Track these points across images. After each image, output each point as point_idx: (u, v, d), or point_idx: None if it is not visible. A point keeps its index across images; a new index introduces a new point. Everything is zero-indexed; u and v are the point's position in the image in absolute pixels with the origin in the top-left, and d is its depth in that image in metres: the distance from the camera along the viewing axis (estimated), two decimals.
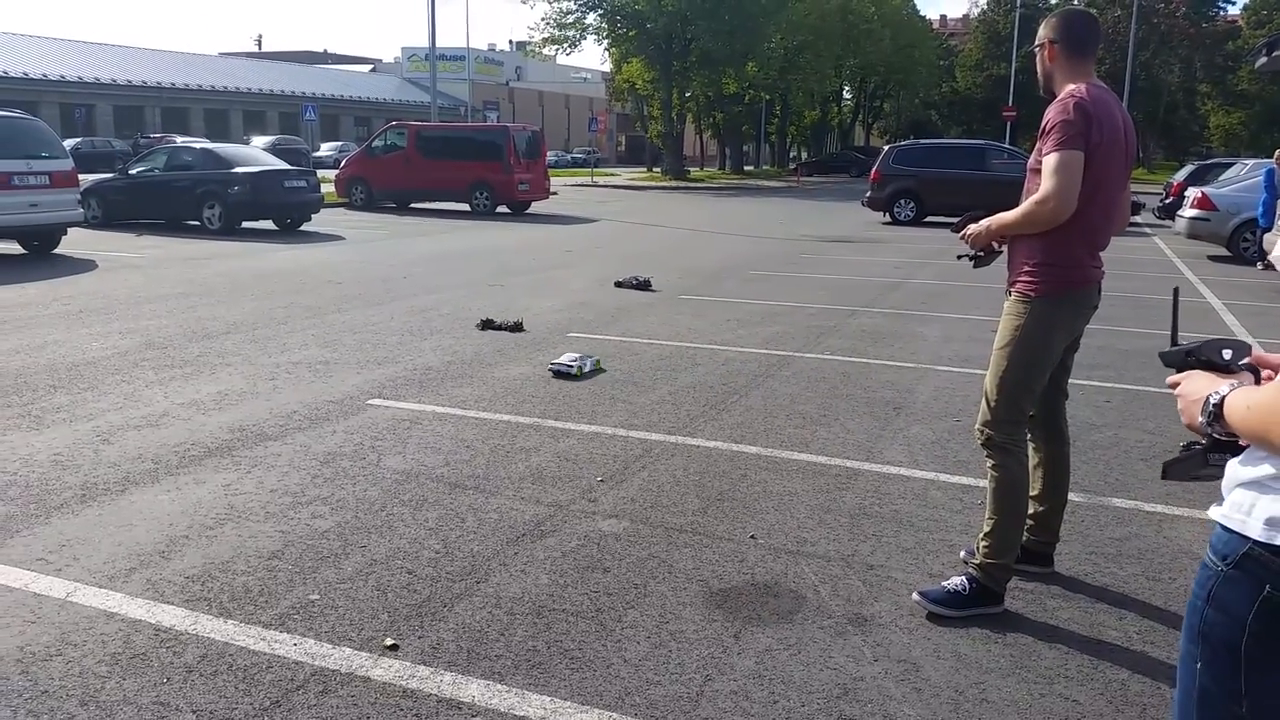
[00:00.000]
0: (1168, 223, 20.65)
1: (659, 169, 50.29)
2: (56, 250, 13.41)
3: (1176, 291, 1.74)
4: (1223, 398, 1.24)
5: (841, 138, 75.09)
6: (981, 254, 3.46)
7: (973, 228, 3.41)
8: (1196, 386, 1.33)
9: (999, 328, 3.32)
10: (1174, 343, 1.52)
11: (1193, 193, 16.39)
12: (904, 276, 12.48)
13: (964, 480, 4.61)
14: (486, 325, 8.20)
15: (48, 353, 7.00)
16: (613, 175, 48.31)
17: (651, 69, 46.82)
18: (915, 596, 3.33)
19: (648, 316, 9.08)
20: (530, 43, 48.54)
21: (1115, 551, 3.85)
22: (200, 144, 19.41)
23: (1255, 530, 1.21)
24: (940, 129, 75.02)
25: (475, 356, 7.17)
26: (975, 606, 3.27)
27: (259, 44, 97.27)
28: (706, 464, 4.84)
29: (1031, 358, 3.24)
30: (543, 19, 45.55)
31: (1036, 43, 3.33)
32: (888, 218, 21.84)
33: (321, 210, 18.76)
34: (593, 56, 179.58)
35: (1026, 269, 3.24)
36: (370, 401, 5.86)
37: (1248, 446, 1.25)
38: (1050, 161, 3.06)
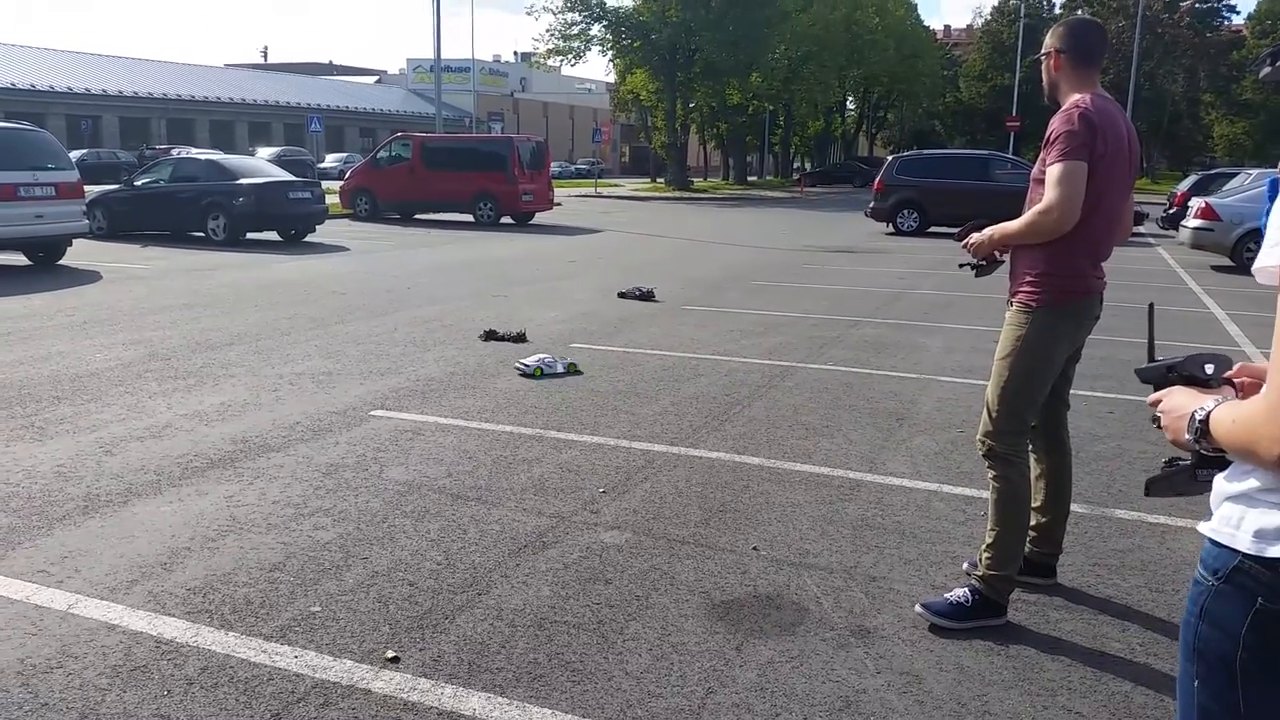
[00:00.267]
0: (1171, 233, 20.64)
1: (663, 180, 50.38)
2: (62, 261, 13.46)
3: (1152, 307, 1.73)
4: (1209, 413, 1.24)
5: (845, 148, 75.19)
6: (983, 263, 3.46)
7: (975, 237, 3.41)
8: (1180, 402, 1.33)
9: (1000, 338, 3.32)
10: (1151, 358, 1.51)
11: (1196, 203, 16.38)
12: (907, 287, 12.47)
13: (967, 491, 4.59)
14: (490, 336, 8.20)
15: (52, 364, 7.02)
16: (616, 186, 48.41)
17: (655, 80, 46.95)
18: (918, 608, 3.32)
19: (650, 327, 9.08)
20: (535, 54, 48.73)
21: (1118, 563, 3.84)
22: (205, 155, 19.48)
23: (1244, 543, 1.21)
24: (944, 139, 75.10)
25: (478, 367, 7.17)
26: (978, 618, 3.25)
27: (265, 55, 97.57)
28: (709, 475, 4.83)
29: (1033, 368, 3.24)
30: (547, 30, 45.72)
31: (1043, 52, 3.33)
32: (891, 228, 21.85)
33: (326, 221, 18.83)
34: (597, 68, 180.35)
35: (1028, 279, 3.23)
36: (373, 412, 5.87)
37: (1233, 461, 1.24)
38: (1054, 172, 3.06)
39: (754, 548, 3.91)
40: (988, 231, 3.36)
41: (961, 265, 3.59)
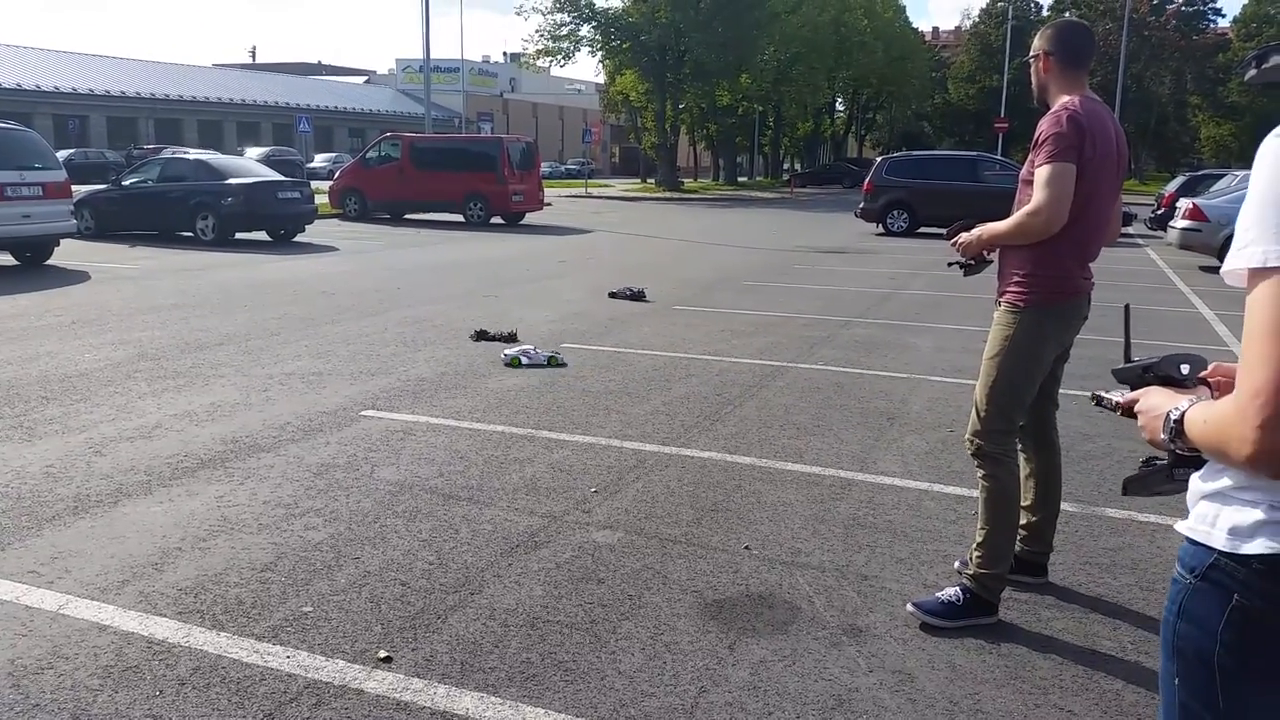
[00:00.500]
0: (1159, 234, 20.74)
1: (653, 180, 50.45)
2: (49, 262, 13.39)
3: (1127, 309, 1.75)
4: (1183, 413, 1.25)
5: (834, 149, 75.40)
6: (972, 262, 3.48)
7: (964, 236, 3.43)
8: (1156, 403, 1.34)
9: (989, 338, 3.33)
10: (1127, 360, 1.52)
11: (1184, 204, 16.46)
12: (897, 287, 12.51)
13: (958, 490, 4.61)
14: (481, 336, 8.20)
15: (40, 364, 6.99)
16: (606, 186, 48.41)
17: (645, 81, 46.97)
18: (909, 607, 3.33)
19: (642, 327, 9.09)
20: (524, 54, 48.60)
21: (1109, 561, 3.86)
22: (194, 155, 19.40)
23: (1219, 541, 1.22)
24: (933, 140, 75.38)
25: (469, 367, 7.17)
26: (969, 617, 3.27)
27: (253, 55, 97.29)
28: (701, 474, 4.84)
29: (1021, 368, 3.25)
30: (537, 31, 45.78)
31: (1031, 54, 3.35)
32: (881, 228, 21.91)
33: (315, 221, 18.78)
34: (587, 68, 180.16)
35: (1016, 279, 3.25)
36: (364, 412, 5.86)
37: (1209, 460, 1.26)
38: (1042, 174, 3.08)
39: (746, 547, 3.92)
40: (976, 231, 3.38)
41: (950, 264, 3.61)
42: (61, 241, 13.62)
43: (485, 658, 3.00)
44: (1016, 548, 3.47)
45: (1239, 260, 1.15)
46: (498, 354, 7.61)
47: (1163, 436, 1.29)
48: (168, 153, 21.98)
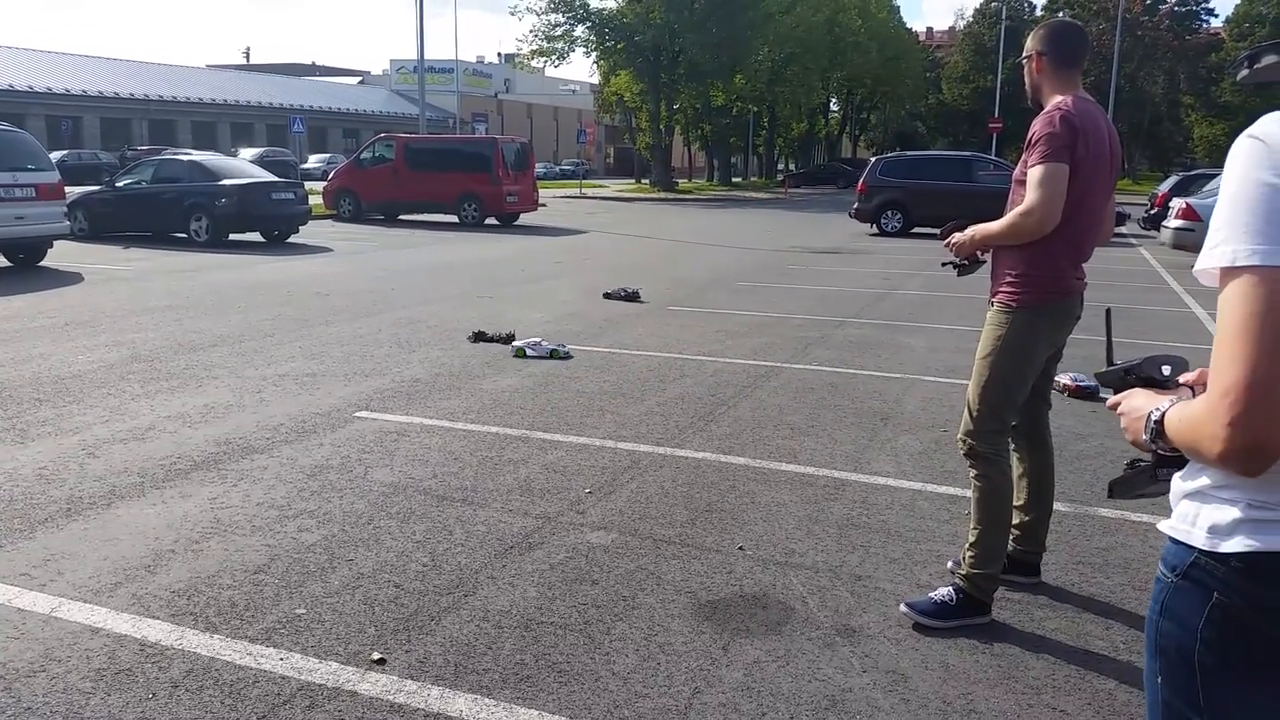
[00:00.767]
0: (1153, 233, 20.79)
1: (647, 181, 50.43)
2: (43, 263, 13.36)
3: (1109, 313, 1.76)
4: (1163, 413, 1.26)
5: (829, 149, 75.43)
6: (965, 262, 3.49)
7: (957, 236, 3.43)
8: (1138, 404, 1.35)
9: (981, 337, 3.34)
10: (1110, 362, 1.53)
11: (1177, 203, 16.52)
12: (891, 287, 12.52)
13: (951, 490, 4.62)
14: (479, 337, 8.20)
15: (33, 366, 6.97)
16: (601, 187, 48.41)
17: (640, 81, 46.99)
18: (903, 608, 3.34)
19: (636, 328, 9.09)
20: (519, 55, 48.64)
21: (1102, 561, 3.87)
22: (187, 156, 19.35)
23: (1199, 539, 1.24)
24: (927, 141, 75.47)
25: (463, 368, 7.16)
26: (962, 617, 3.27)
27: (247, 56, 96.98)
28: (695, 475, 4.84)
29: (1013, 367, 3.26)
30: (531, 31, 45.78)
31: (1024, 55, 3.36)
32: (875, 229, 21.93)
33: (309, 222, 18.74)
34: (581, 69, 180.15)
35: (1009, 279, 3.26)
36: (357, 414, 5.85)
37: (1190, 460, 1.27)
38: (1035, 174, 3.08)
39: (740, 547, 3.92)
40: (970, 231, 3.39)
41: (944, 265, 3.61)
42: (55, 243, 13.58)
43: (479, 659, 2.99)
44: (1009, 547, 3.48)
45: (1210, 260, 1.16)
46: (493, 355, 7.62)
47: (1144, 437, 1.30)
48: (168, 153, 21.86)
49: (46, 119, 46.65)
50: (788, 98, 56.26)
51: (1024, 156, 3.20)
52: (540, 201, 25.37)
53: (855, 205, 22.26)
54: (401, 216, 23.95)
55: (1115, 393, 1.45)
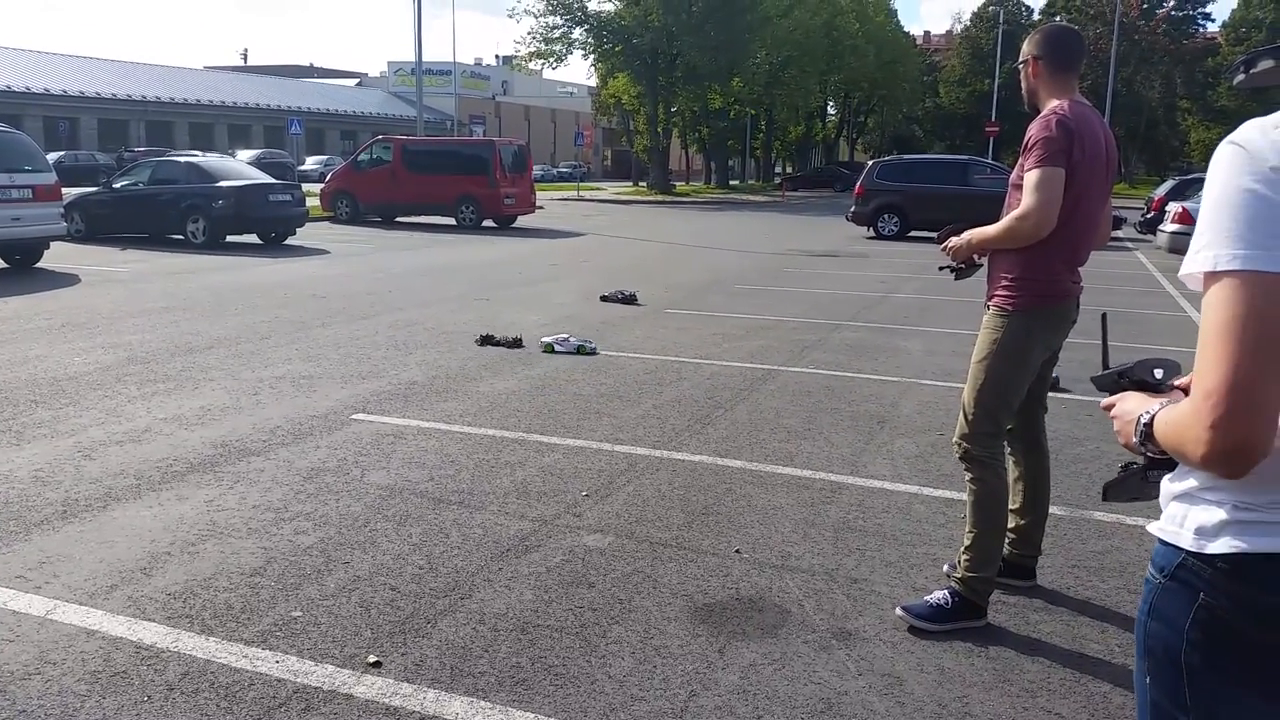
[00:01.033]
0: (1149, 237, 20.83)
1: (645, 183, 50.45)
2: (39, 264, 13.34)
3: (1105, 317, 1.77)
4: (1153, 416, 1.28)
5: (826, 153, 75.49)
6: (962, 266, 3.49)
7: (954, 240, 3.44)
8: (1130, 407, 1.37)
9: (977, 341, 3.35)
10: (1105, 366, 1.55)
11: (1174, 207, 16.56)
12: (888, 291, 12.53)
13: (947, 494, 4.62)
14: (486, 341, 8.20)
15: (29, 367, 6.96)
16: (598, 189, 48.43)
17: (637, 84, 47.02)
18: (898, 611, 3.34)
19: (633, 330, 9.09)
20: (516, 57, 48.65)
21: (1097, 565, 3.87)
22: (184, 157, 19.34)
23: (1187, 541, 1.25)
24: (924, 144, 75.50)
25: (460, 371, 7.16)
26: (958, 620, 3.28)
27: (244, 58, 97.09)
28: (691, 478, 4.84)
29: (1009, 371, 3.26)
30: (529, 33, 45.65)
31: (1021, 59, 3.36)
32: (872, 232, 21.94)
33: (306, 224, 18.74)
34: (579, 71, 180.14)
35: (1005, 283, 3.26)
36: (354, 416, 5.85)
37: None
38: (1031, 178, 3.09)
39: (736, 550, 3.93)
40: (966, 235, 3.39)
41: (941, 268, 3.62)
42: (51, 244, 13.56)
43: (475, 662, 2.99)
44: (1005, 551, 3.48)
45: (1194, 264, 1.18)
46: (490, 357, 7.62)
47: (1135, 440, 1.32)
48: (170, 155, 21.88)
49: (44, 120, 46.62)
50: (785, 101, 56.31)
51: (1020, 161, 3.20)
52: (538, 204, 25.38)
53: (852, 208, 22.29)
54: (399, 218, 23.94)
55: (1110, 395, 1.47)
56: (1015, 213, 3.14)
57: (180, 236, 16.91)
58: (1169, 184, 24.28)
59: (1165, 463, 1.31)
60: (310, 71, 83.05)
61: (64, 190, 14.08)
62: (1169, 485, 1.32)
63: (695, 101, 48.86)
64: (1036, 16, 68.39)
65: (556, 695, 2.82)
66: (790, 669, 3.00)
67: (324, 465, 4.91)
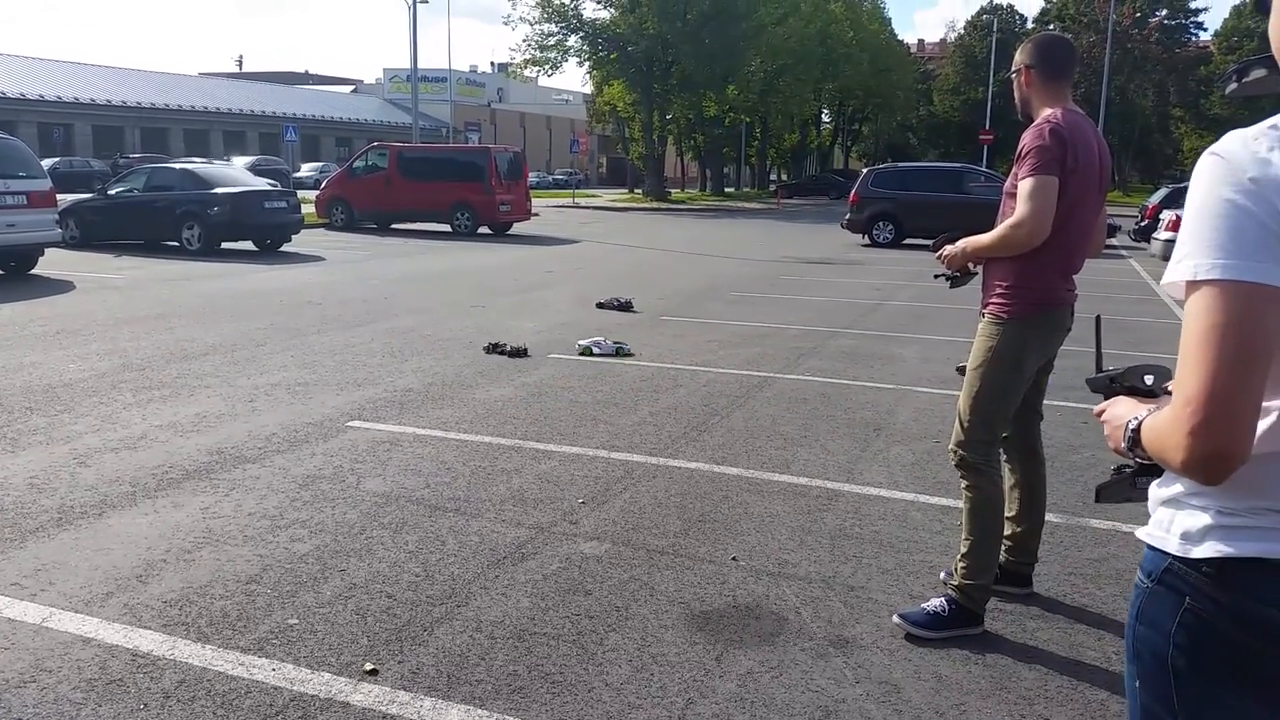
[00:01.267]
0: (1143, 245, 20.91)
1: (640, 190, 50.52)
2: (34, 271, 13.31)
3: (1099, 320, 1.78)
4: (1140, 422, 1.29)
5: (821, 160, 75.70)
6: (957, 274, 3.51)
7: (949, 249, 3.45)
8: (1120, 412, 1.39)
9: (972, 349, 3.35)
10: (1099, 370, 1.56)
11: (1168, 215, 16.62)
12: (883, 298, 12.56)
13: (944, 501, 4.63)
14: (493, 349, 8.18)
15: (24, 374, 6.94)
16: (594, 196, 48.50)
17: (632, 91, 47.10)
18: (895, 619, 3.34)
19: (629, 337, 9.09)
20: (512, 64, 48.66)
21: (1094, 572, 3.88)
22: (180, 164, 19.33)
23: (1173, 545, 1.27)
24: (918, 152, 75.80)
25: (456, 378, 7.16)
26: (955, 628, 3.28)
27: (240, 64, 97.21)
28: (688, 485, 4.84)
29: (1004, 379, 3.27)
30: (524, 41, 45.74)
31: (1013, 68, 3.38)
32: (867, 240, 22.00)
33: (302, 231, 18.73)
34: (574, 78, 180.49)
35: (999, 291, 3.27)
36: (350, 423, 5.84)
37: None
38: (1025, 186, 3.10)
39: (733, 558, 3.93)
40: (961, 244, 3.41)
41: (936, 276, 3.63)
42: (46, 251, 13.53)
43: (472, 670, 2.99)
44: (1001, 558, 3.49)
45: (1175, 273, 1.20)
46: (486, 365, 7.62)
47: (1123, 445, 1.33)
48: (180, 162, 21.87)
49: (38, 126, 46.55)
50: (780, 108, 56.48)
51: (1014, 169, 3.22)
52: (533, 211, 25.38)
53: (847, 216, 22.33)
54: (394, 225, 23.91)
55: (1104, 399, 1.48)
56: (1009, 221, 3.15)
57: (175, 243, 16.88)
58: (1163, 192, 24.35)
59: (1153, 468, 1.33)
60: (305, 78, 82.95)
61: (59, 197, 14.06)
62: (1156, 491, 1.33)
63: (690, 109, 48.99)
64: (1030, 25, 68.69)
65: (554, 703, 2.82)
66: (787, 677, 3.00)
67: (320, 472, 4.90)
